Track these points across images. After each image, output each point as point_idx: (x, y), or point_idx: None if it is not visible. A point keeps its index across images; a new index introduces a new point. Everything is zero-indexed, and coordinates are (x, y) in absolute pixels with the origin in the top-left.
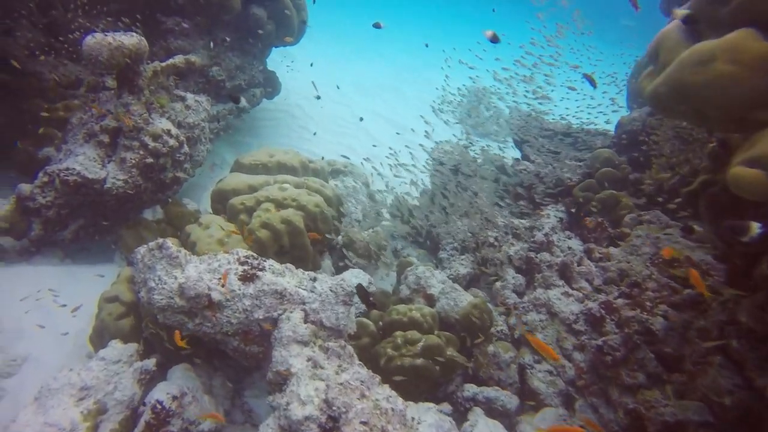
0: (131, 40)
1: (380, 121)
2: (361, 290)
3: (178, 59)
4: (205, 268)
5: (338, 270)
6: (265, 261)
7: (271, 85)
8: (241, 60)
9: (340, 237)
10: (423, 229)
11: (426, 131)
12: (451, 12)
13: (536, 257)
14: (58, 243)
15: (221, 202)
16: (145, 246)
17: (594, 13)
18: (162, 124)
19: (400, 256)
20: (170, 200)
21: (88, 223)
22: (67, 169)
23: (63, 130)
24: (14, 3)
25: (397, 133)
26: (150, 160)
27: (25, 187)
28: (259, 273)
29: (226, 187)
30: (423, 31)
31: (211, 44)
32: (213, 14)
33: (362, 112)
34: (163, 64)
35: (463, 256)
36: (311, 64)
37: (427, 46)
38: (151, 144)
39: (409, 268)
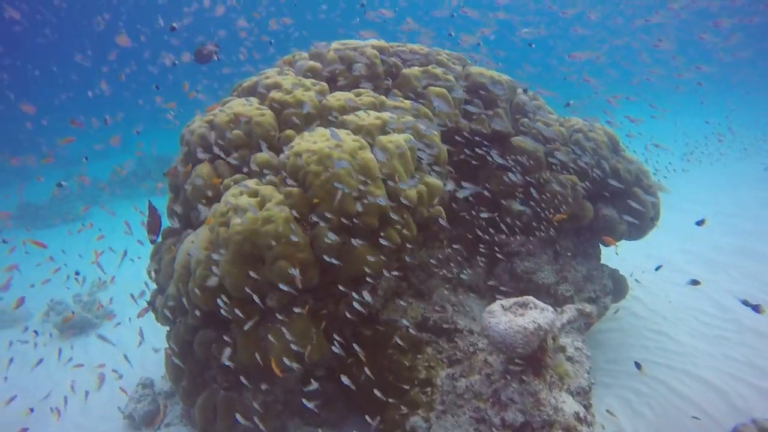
0: (545, 317)
1: None
2: None
3: (570, 313)
4: None
5: None
6: None
7: (618, 288)
8: (586, 267)
9: None
10: None
11: None
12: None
13: None
14: None
15: None
16: None
17: None
18: (568, 405)
19: None
20: None
21: None
22: None
23: (427, 393)
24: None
25: None
26: None
27: None
28: None
29: None
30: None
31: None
32: (559, 226)
33: (724, 297)
34: (559, 325)
35: None
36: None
37: None
38: None
39: None
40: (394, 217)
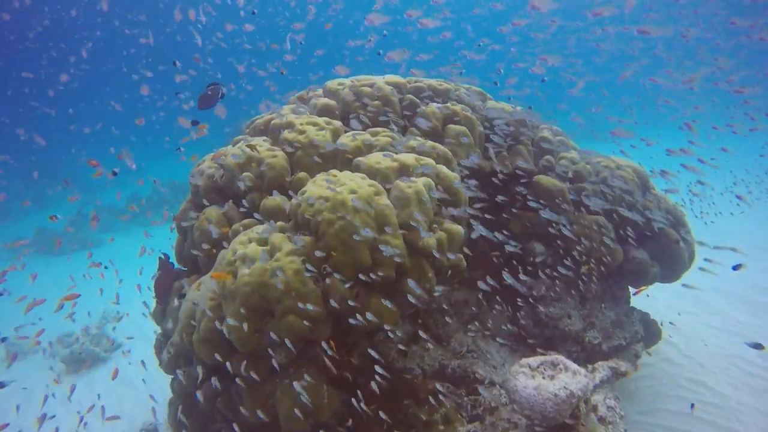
0: (577, 383)
1: None
2: None
3: (603, 372)
4: None
5: None
6: None
7: (650, 333)
8: (614, 312)
9: None
10: None
11: None
12: None
13: None
14: None
15: None
16: None
17: None
18: None
19: None
20: None
21: None
22: None
23: None
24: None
25: None
26: None
27: None
28: None
29: None
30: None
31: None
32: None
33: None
34: (592, 387)
35: None
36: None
37: None
38: None
39: None
40: (413, 267)
